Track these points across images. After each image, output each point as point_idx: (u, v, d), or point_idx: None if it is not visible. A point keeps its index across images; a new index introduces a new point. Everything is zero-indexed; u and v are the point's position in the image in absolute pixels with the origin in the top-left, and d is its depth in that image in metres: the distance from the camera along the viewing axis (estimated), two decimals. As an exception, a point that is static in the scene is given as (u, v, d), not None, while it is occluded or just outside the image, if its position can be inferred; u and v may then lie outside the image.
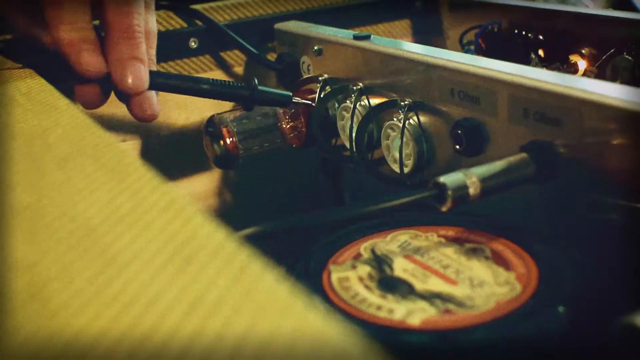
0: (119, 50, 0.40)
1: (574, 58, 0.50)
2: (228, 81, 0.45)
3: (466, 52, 0.57)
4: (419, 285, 0.29)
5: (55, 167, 0.25)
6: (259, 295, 0.16)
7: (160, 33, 0.44)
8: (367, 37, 0.46)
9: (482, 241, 0.32)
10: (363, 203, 0.31)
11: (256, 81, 0.45)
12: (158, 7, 0.53)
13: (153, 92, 0.42)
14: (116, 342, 0.15)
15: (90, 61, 0.39)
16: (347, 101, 0.47)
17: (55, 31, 0.39)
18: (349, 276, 0.31)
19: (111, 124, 0.53)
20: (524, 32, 0.54)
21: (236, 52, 0.58)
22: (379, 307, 0.28)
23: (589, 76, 0.49)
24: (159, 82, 0.42)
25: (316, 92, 0.49)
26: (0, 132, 0.29)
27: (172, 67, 0.55)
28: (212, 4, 0.58)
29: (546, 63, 0.51)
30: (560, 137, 0.33)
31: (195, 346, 0.14)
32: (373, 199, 0.31)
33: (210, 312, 0.16)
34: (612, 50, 0.48)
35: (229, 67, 0.59)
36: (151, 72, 0.41)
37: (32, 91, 0.36)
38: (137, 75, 0.40)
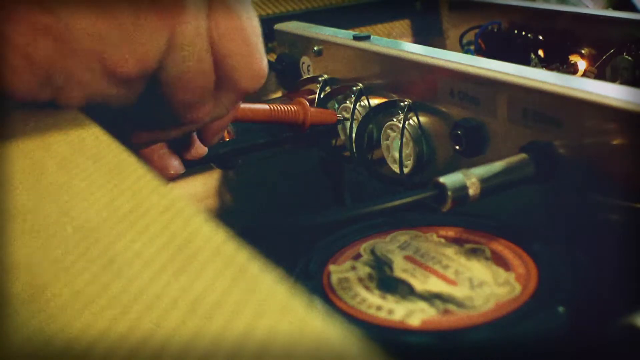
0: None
1: (573, 58, 0.50)
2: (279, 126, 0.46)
3: (466, 52, 0.57)
4: (418, 286, 0.29)
5: (55, 167, 0.25)
6: (258, 296, 0.16)
7: None
8: (367, 38, 0.46)
9: (481, 241, 0.32)
10: (363, 203, 0.31)
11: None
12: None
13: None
14: (116, 342, 0.15)
15: (171, 165, 0.41)
16: (347, 101, 0.47)
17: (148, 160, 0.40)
18: (349, 277, 0.31)
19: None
20: (523, 32, 0.55)
21: (236, 52, 0.58)
22: (378, 308, 0.28)
23: (589, 76, 0.49)
24: (224, 156, 0.43)
25: (316, 92, 0.49)
26: (0, 133, 0.29)
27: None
28: (212, 4, 0.57)
29: (546, 63, 0.51)
30: (560, 138, 0.33)
31: (195, 347, 0.15)
32: (373, 199, 0.31)
33: (210, 312, 0.16)
34: (612, 50, 0.48)
35: (229, 67, 0.58)
36: (217, 145, 0.42)
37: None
38: (199, 150, 0.41)
